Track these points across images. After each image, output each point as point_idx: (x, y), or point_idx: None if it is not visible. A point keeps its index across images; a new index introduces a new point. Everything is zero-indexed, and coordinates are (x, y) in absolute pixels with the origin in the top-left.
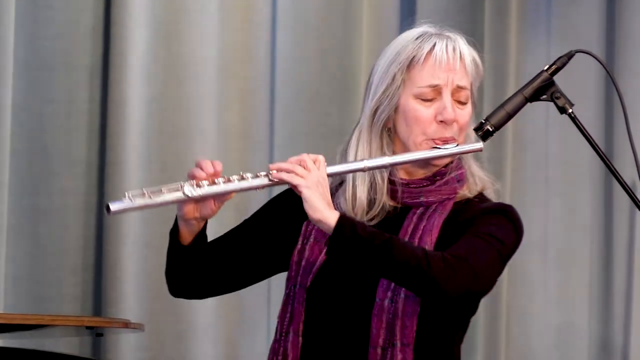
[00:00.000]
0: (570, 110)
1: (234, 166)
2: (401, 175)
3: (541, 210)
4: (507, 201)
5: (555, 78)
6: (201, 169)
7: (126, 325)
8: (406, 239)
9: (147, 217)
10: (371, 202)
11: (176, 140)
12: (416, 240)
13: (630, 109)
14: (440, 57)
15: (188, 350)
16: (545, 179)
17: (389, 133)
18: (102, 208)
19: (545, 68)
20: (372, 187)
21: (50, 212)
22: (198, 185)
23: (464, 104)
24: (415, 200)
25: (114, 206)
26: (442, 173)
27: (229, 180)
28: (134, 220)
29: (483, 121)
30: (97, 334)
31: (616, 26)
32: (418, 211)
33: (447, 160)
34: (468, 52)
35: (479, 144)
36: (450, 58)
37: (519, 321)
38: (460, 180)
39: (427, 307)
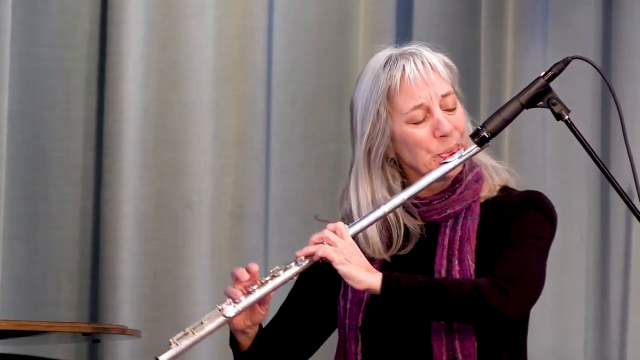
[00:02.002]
0: (566, 117)
1: (231, 171)
2: (422, 194)
3: None
4: None
5: (552, 84)
6: (237, 279)
7: (123, 331)
8: (444, 253)
9: (143, 223)
10: (390, 238)
11: (173, 146)
12: (456, 252)
13: (627, 115)
14: (414, 77)
15: (185, 357)
16: (541, 186)
17: (392, 163)
18: (99, 214)
19: (542, 74)
20: (385, 224)
21: (47, 218)
22: (236, 302)
23: (453, 109)
24: (442, 215)
25: (162, 357)
26: (459, 180)
27: (262, 284)
28: (130, 227)
29: (479, 127)
30: (93, 340)
31: (613, 32)
32: (449, 223)
33: (460, 168)
34: (436, 59)
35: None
36: (423, 74)
37: None
38: (479, 179)
39: None
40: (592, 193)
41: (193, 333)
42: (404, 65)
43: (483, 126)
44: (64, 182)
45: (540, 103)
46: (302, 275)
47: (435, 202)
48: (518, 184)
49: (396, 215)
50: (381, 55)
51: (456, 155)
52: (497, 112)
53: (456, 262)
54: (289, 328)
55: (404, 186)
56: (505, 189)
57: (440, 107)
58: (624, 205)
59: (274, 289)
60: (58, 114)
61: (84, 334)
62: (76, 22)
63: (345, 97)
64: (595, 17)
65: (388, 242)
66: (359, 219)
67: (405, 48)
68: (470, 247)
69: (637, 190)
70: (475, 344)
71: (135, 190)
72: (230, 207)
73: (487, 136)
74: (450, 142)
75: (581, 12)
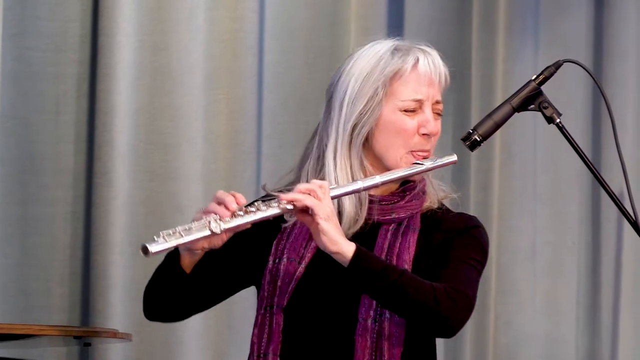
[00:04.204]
0: (558, 120)
1: (222, 175)
2: (371, 192)
3: (529, 220)
4: (494, 211)
5: (543, 88)
6: (225, 206)
7: (114, 335)
8: (383, 255)
9: (134, 227)
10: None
11: (164, 149)
12: (394, 258)
13: (618, 119)
14: (424, 72)
15: (176, 357)
16: (533, 189)
17: (366, 146)
18: (89, 217)
19: (533, 78)
20: (357, 205)
21: (38, 221)
22: (222, 221)
23: (440, 115)
24: (387, 217)
25: (152, 248)
26: (411, 188)
27: (247, 212)
28: (121, 230)
29: (471, 131)
30: (84, 343)
31: (604, 36)
32: (390, 227)
33: (421, 176)
34: (443, 67)
35: (454, 157)
36: (432, 73)
37: (506, 331)
38: (424, 192)
39: (412, 327)
40: (584, 196)
41: (181, 235)
42: (418, 57)
43: (474, 129)
44: (55, 186)
45: (532, 106)
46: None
47: (383, 202)
48: (451, 203)
49: (365, 200)
50: (383, 43)
51: (427, 161)
52: (489, 116)
53: None
54: (203, 272)
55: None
56: (441, 205)
57: (432, 109)
58: (615, 208)
59: (255, 222)
60: (49, 117)
61: (75, 337)
62: (67, 27)
63: None
64: (586, 21)
65: (353, 223)
66: (337, 186)
67: (413, 44)
68: (409, 256)
69: (629, 193)
70: (401, 351)
71: (126, 194)
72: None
73: (478, 139)
74: (427, 144)
75: (572, 17)
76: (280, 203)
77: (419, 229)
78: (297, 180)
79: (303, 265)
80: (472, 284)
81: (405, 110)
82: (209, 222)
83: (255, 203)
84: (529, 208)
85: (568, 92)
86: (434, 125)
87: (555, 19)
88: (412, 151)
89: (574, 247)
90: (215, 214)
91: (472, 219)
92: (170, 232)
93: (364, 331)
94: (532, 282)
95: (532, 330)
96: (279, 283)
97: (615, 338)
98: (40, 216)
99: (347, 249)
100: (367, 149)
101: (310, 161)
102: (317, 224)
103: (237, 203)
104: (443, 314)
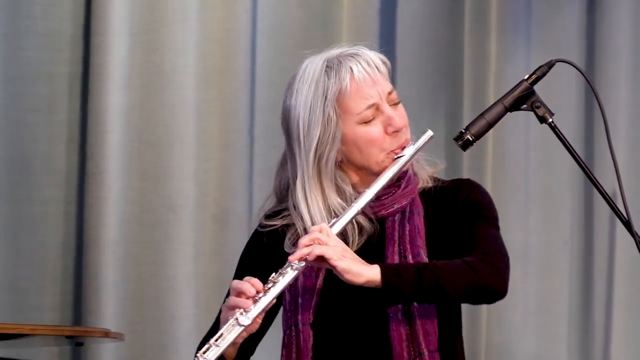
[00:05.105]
0: (550, 120)
1: (214, 175)
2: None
3: (521, 220)
4: None
5: (536, 87)
6: (244, 294)
7: (106, 334)
8: (395, 247)
9: (126, 227)
10: (345, 234)
11: (156, 149)
12: (407, 246)
13: (610, 118)
14: (363, 78)
15: (172, 358)
16: (525, 189)
17: (338, 166)
18: (82, 217)
19: (526, 77)
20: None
21: (31, 221)
22: (246, 311)
23: (397, 103)
24: (390, 210)
25: None
26: (403, 174)
27: (265, 291)
28: (114, 230)
29: (463, 130)
30: (77, 343)
31: (596, 36)
32: (396, 217)
33: (410, 163)
34: (378, 59)
35: (429, 132)
36: (370, 73)
37: (499, 330)
38: (415, 173)
39: (442, 306)
40: (576, 196)
41: (217, 345)
42: (351, 67)
43: (467, 129)
44: (47, 186)
45: (524, 106)
46: (244, 267)
47: (383, 197)
48: (440, 173)
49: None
50: (315, 61)
51: (407, 149)
52: (481, 115)
53: (410, 257)
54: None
55: (354, 187)
56: (435, 180)
57: (387, 103)
58: (607, 209)
59: (277, 296)
60: (42, 117)
61: (67, 337)
62: (59, 26)
63: None
64: (578, 21)
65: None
66: (336, 219)
67: (341, 50)
68: (421, 240)
69: (621, 193)
70: (438, 334)
71: (119, 194)
72: (213, 210)
73: (470, 139)
74: (401, 138)
75: (564, 16)
76: (292, 266)
77: (423, 211)
78: (283, 202)
79: (321, 277)
80: (498, 241)
81: (366, 122)
82: (237, 319)
83: (271, 277)
84: (522, 207)
85: (560, 92)
86: (399, 119)
87: (547, 18)
88: (391, 151)
89: (567, 246)
90: (239, 307)
91: (468, 182)
92: (205, 349)
93: (397, 325)
94: (524, 281)
95: (524, 329)
96: (299, 300)
97: (607, 337)
98: (32, 216)
99: (373, 274)
100: (345, 165)
101: (294, 196)
102: (335, 267)
103: (254, 287)
104: (487, 282)
